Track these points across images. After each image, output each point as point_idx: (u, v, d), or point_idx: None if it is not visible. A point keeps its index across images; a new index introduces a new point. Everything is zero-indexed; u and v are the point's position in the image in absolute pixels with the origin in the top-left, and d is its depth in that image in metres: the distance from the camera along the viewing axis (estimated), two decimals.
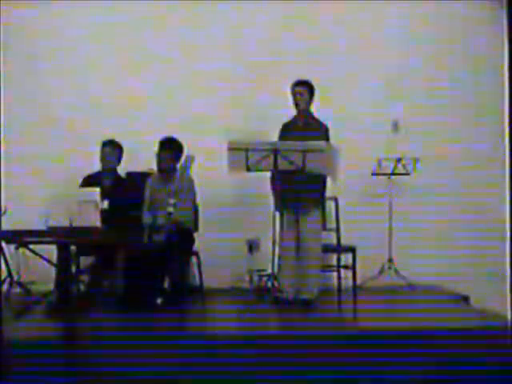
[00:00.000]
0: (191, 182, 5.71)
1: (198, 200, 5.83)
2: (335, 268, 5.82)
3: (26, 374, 4.11)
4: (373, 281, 6.38)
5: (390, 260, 6.44)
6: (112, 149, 5.78)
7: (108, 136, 5.85)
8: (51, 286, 5.42)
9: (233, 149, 5.05)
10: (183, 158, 5.66)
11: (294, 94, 5.47)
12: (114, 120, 6.35)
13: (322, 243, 5.50)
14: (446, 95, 6.61)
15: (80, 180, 5.76)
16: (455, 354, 4.37)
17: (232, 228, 6.37)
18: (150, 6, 6.43)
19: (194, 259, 5.75)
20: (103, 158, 5.78)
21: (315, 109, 5.53)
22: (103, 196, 4.75)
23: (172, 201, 5.33)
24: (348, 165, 5.63)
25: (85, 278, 5.63)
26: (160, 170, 5.70)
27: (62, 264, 4.85)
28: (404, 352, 4.34)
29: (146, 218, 5.70)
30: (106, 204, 5.14)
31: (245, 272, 6.31)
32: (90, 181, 5.65)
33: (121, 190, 5.63)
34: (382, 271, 6.44)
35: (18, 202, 5.88)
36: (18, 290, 5.87)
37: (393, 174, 6.39)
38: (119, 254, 5.60)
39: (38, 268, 5.57)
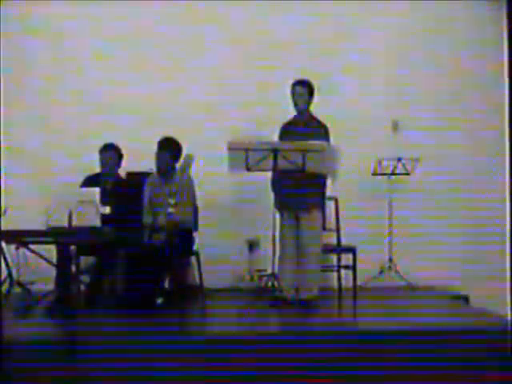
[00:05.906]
0: (191, 181, 5.71)
1: (198, 200, 5.83)
2: (335, 268, 5.82)
3: (26, 374, 4.11)
4: (373, 281, 6.38)
5: (390, 260, 6.44)
6: (111, 153, 5.71)
7: (108, 136, 5.84)
8: (51, 286, 5.42)
9: (233, 149, 5.05)
10: (182, 158, 5.66)
11: (294, 93, 5.47)
12: (114, 120, 6.36)
13: (322, 243, 5.51)
14: (446, 95, 6.63)
15: (81, 180, 5.75)
16: (455, 354, 4.36)
17: (232, 228, 6.37)
18: (150, 5, 6.44)
19: (193, 259, 5.75)
20: (103, 163, 5.71)
21: (315, 108, 5.54)
22: (104, 199, 4.74)
23: (172, 201, 5.34)
24: (348, 165, 5.64)
25: (85, 277, 5.62)
26: (159, 170, 5.69)
27: (62, 264, 4.85)
28: (404, 352, 4.34)
29: (146, 218, 5.71)
30: (107, 209, 5.11)
31: (245, 272, 6.31)
32: (90, 182, 5.60)
33: (121, 194, 5.61)
34: (382, 271, 6.45)
35: (18, 202, 5.88)
36: (18, 289, 5.87)
37: (393, 174, 6.39)
38: (119, 254, 5.60)
39: (38, 268, 5.58)
